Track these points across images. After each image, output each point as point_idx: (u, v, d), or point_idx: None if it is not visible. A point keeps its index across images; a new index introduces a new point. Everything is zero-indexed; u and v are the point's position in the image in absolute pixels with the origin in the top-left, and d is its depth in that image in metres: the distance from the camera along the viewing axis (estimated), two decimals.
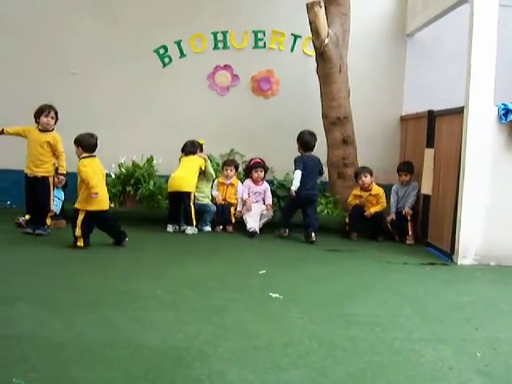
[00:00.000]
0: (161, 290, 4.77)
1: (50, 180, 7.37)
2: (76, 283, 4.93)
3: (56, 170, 7.38)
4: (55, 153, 7.31)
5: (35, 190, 7.30)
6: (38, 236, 7.22)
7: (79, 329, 3.72)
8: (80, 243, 6.55)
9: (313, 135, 7.79)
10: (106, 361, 3.20)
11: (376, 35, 9.18)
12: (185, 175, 7.91)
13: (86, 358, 3.23)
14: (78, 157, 6.82)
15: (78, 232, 6.54)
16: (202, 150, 8.21)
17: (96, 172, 6.72)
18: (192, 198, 7.83)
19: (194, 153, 8.11)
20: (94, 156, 6.85)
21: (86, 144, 6.74)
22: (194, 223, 7.81)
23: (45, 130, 7.30)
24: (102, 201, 6.74)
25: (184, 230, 7.77)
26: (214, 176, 8.24)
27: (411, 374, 3.20)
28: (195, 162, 8.03)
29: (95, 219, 6.68)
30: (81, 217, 6.57)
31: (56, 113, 7.35)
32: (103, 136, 8.69)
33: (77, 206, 6.67)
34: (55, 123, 7.38)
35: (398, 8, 9.25)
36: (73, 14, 9.17)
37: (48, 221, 7.41)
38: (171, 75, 9.19)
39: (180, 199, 7.84)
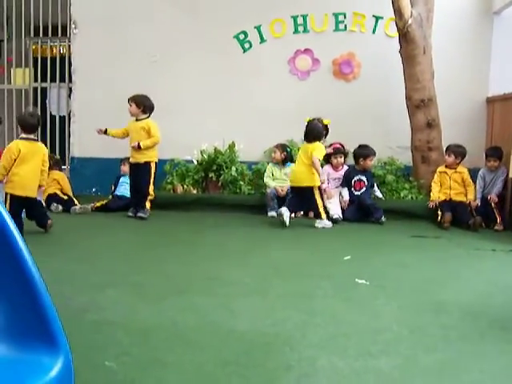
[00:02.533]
0: (247, 276, 4.79)
1: (152, 165, 7.71)
2: (163, 268, 5.01)
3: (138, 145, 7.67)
4: (150, 136, 7.68)
5: (137, 175, 7.71)
6: (140, 219, 7.57)
7: (168, 314, 3.76)
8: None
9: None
10: (196, 345, 3.23)
11: (461, 14, 8.89)
12: (298, 169, 7.46)
13: (177, 343, 3.26)
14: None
15: None
16: (327, 133, 7.64)
17: (24, 156, 6.24)
18: (315, 191, 7.29)
19: (312, 140, 7.37)
20: (34, 140, 6.44)
21: (23, 123, 6.40)
22: (324, 216, 7.31)
23: (138, 119, 7.72)
24: (24, 186, 6.26)
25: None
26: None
27: (506, 365, 3.12)
28: (307, 150, 7.35)
29: (22, 205, 6.33)
30: (8, 200, 6.27)
31: (134, 100, 7.73)
32: (185, 122, 8.88)
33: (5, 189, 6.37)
34: (143, 110, 7.75)
35: None
36: (154, 4, 9.30)
37: (148, 204, 7.70)
38: (251, 61, 9.19)
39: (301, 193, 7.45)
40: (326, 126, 7.53)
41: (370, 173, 8.16)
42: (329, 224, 7.29)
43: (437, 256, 5.87)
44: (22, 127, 6.44)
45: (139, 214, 7.64)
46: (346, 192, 8.01)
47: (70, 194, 8.29)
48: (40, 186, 6.52)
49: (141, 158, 7.70)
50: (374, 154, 8.10)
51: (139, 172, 7.73)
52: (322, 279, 4.74)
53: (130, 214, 7.73)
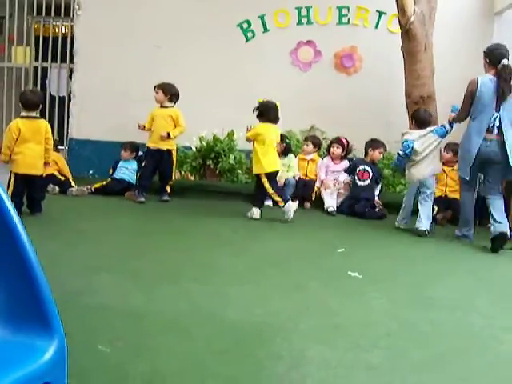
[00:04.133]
0: (241, 265, 4.85)
1: (174, 153, 7.91)
2: (158, 255, 5.06)
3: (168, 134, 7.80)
4: (176, 125, 7.84)
5: (161, 162, 7.87)
6: (165, 202, 7.79)
7: (162, 301, 3.80)
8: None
9: None
10: (189, 333, 3.27)
11: (463, 13, 8.94)
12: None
13: (169, 330, 3.29)
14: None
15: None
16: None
17: (24, 135, 6.24)
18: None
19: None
20: (35, 118, 6.40)
21: (24, 100, 6.36)
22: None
23: (163, 106, 7.86)
24: (27, 164, 6.28)
25: None
26: None
27: (491, 361, 3.17)
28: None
29: (25, 183, 6.32)
30: (12, 179, 6.29)
31: (162, 88, 7.89)
32: (184, 109, 8.86)
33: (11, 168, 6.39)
34: (169, 98, 7.92)
35: None
36: None
37: (168, 188, 7.94)
38: (254, 50, 9.19)
39: None
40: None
41: (377, 167, 8.17)
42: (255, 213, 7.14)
43: (429, 251, 5.95)
44: (22, 105, 6.41)
45: (164, 198, 7.86)
46: (343, 175, 8.08)
47: (69, 175, 8.28)
48: (46, 164, 6.54)
49: (164, 146, 7.85)
50: (384, 147, 8.13)
51: (163, 159, 7.89)
52: (315, 271, 4.79)
53: (142, 199, 7.69)
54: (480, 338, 3.50)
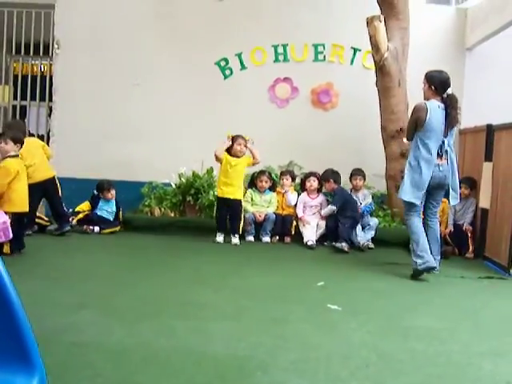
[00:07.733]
0: (222, 300, 4.88)
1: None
2: (138, 291, 5.07)
3: None
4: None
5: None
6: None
7: (143, 337, 3.81)
8: (6, 249, 6.13)
9: None
10: (170, 369, 3.28)
11: (435, 49, 9.16)
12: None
13: (150, 366, 3.31)
14: (5, 153, 6.40)
15: None
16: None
17: (20, 175, 6.35)
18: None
19: None
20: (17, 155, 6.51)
21: (20, 137, 6.55)
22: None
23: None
24: (23, 202, 6.39)
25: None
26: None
27: None
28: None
29: (21, 221, 6.38)
30: (15, 221, 6.20)
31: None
32: (164, 146, 8.95)
33: (4, 208, 6.20)
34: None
35: (458, 22, 9.30)
36: (137, 30, 9.43)
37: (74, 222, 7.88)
38: (232, 87, 9.33)
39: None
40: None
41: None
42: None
43: (407, 282, 6.01)
44: (19, 142, 6.50)
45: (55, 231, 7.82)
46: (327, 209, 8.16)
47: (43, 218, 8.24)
48: None
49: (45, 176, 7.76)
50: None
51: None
52: (295, 304, 4.83)
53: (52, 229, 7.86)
54: (458, 365, 3.56)
